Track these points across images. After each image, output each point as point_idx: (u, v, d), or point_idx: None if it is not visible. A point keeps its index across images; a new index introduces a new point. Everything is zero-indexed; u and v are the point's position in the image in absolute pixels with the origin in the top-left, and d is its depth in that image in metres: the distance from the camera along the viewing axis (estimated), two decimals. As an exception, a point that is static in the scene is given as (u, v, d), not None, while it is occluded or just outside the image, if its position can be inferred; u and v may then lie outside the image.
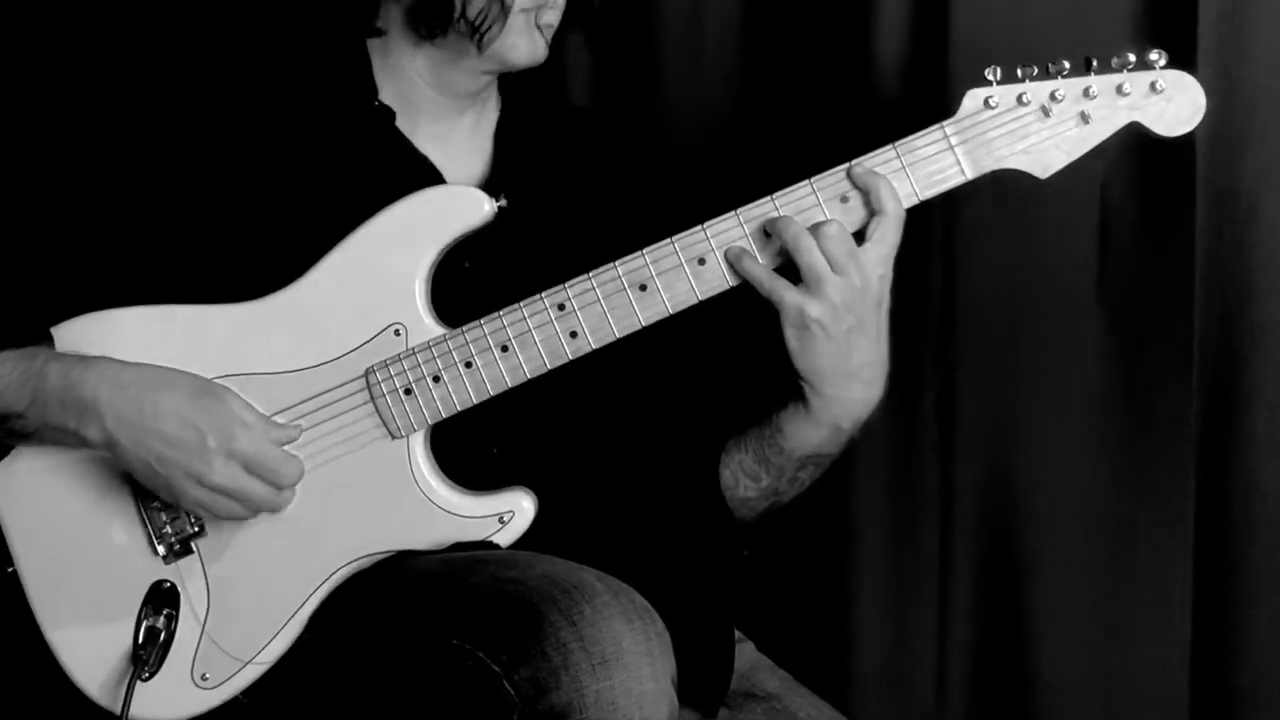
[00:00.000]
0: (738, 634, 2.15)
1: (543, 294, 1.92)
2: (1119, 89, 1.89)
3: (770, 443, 2.00)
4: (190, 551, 1.96)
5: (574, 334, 1.92)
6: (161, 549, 1.96)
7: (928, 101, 2.42)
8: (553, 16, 2.00)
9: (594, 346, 1.92)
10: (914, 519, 2.55)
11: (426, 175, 2.02)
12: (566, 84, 2.54)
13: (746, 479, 2.04)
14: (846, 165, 1.90)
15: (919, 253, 2.47)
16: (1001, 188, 2.40)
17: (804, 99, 2.49)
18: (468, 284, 1.98)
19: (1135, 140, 2.36)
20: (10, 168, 2.02)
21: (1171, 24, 2.37)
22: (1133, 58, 1.89)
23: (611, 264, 1.91)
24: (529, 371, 1.93)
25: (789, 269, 1.90)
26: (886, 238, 1.88)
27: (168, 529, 1.96)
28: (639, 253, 1.91)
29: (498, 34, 1.97)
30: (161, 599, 1.95)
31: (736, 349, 2.08)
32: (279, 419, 1.93)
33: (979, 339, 2.50)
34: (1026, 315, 2.49)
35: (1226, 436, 2.43)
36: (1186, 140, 2.30)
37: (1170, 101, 1.90)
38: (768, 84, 2.53)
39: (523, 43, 1.99)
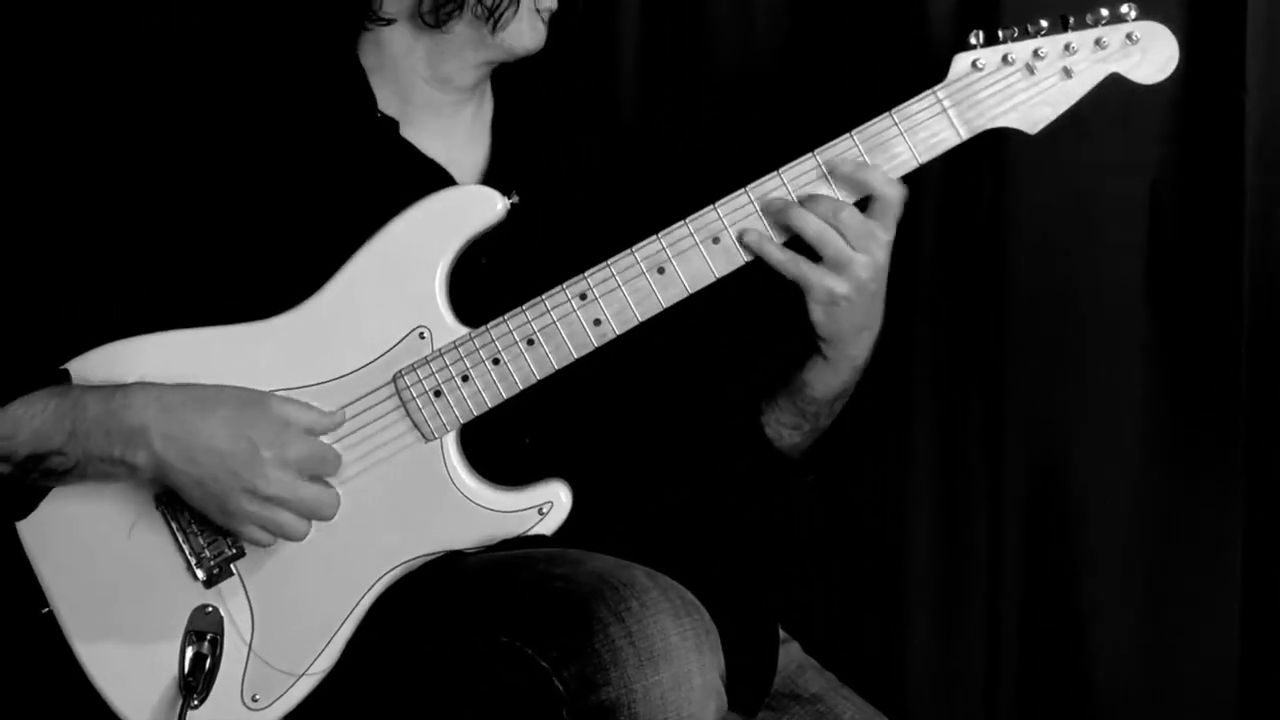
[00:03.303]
0: (783, 634, 2.16)
1: (564, 285, 1.94)
2: (1097, 42, 1.96)
3: (800, 395, 2.04)
4: (230, 574, 1.95)
5: (598, 321, 1.94)
6: (201, 574, 1.95)
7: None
8: (551, 1, 2.04)
9: (618, 332, 1.94)
10: (962, 517, 2.55)
11: (436, 178, 2.04)
12: (617, 50, 2.55)
13: (787, 429, 2.08)
14: (847, 138, 1.95)
15: (968, 249, 2.51)
16: (1050, 183, 2.46)
17: (851, 59, 2.51)
18: (486, 281, 2.00)
19: (1185, 137, 2.43)
20: (8, 206, 2.02)
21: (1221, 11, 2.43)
22: (1105, 12, 1.97)
23: (629, 250, 1.94)
24: (556, 363, 1.95)
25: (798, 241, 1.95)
26: (889, 221, 1.93)
27: (206, 553, 1.95)
28: (654, 236, 1.94)
29: (512, 17, 2.00)
30: (205, 624, 1.95)
31: (749, 317, 2.11)
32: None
33: (1027, 336, 2.51)
34: (1075, 312, 2.51)
35: (1276, 432, 2.46)
36: (1236, 137, 2.41)
37: (1146, 51, 1.97)
38: (816, 39, 2.53)
39: (528, 29, 2.03)
